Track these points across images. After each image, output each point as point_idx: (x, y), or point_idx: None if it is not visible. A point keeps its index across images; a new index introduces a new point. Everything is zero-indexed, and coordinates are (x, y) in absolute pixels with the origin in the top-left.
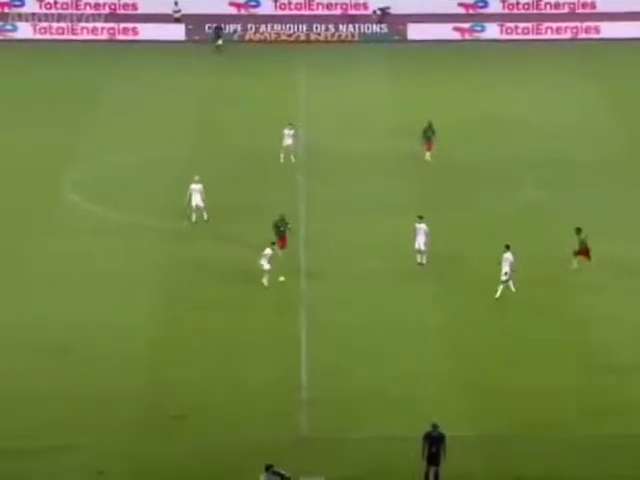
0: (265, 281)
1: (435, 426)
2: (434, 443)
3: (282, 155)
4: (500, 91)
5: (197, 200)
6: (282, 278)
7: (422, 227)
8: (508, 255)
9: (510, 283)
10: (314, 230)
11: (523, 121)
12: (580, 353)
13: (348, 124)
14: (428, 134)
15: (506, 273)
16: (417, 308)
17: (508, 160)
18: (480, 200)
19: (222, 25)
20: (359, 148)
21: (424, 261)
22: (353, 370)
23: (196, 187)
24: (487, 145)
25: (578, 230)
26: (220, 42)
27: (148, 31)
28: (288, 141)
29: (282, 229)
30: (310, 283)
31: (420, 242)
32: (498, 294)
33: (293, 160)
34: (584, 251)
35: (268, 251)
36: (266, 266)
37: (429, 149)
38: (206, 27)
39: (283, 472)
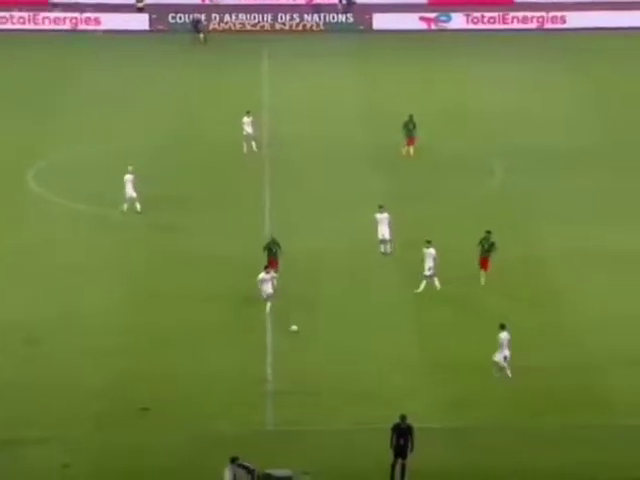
0: (268, 308)
1: (403, 418)
2: (402, 435)
3: (245, 144)
4: (469, 81)
5: (129, 190)
6: (294, 327)
7: (384, 217)
8: (431, 250)
9: (435, 279)
10: (280, 221)
11: (492, 111)
12: (549, 345)
13: (314, 114)
14: (409, 127)
15: (430, 268)
16: (384, 299)
17: (478, 149)
18: (450, 189)
19: (200, 17)
20: (325, 137)
21: (389, 250)
22: (319, 361)
23: (129, 177)
24: (456, 134)
25: (488, 233)
26: (201, 36)
27: (111, 21)
28: (248, 129)
29: (274, 251)
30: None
31: (384, 232)
32: (420, 289)
33: (255, 149)
34: (484, 260)
35: (263, 275)
36: (268, 290)
37: (410, 143)
38: (169, 17)
39: (248, 465)
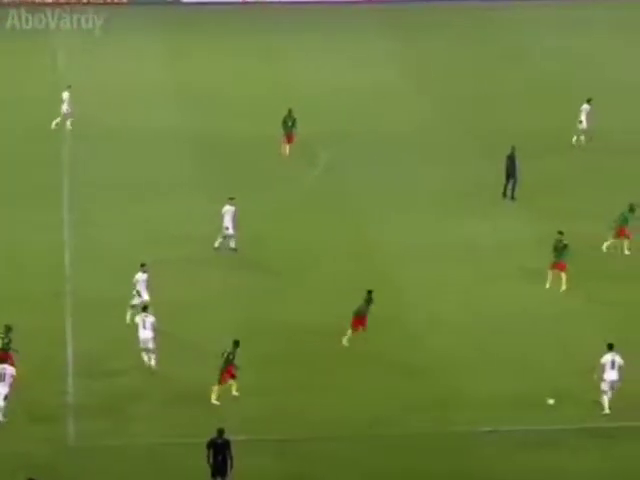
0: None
1: (220, 432)
2: (219, 451)
3: (55, 122)
4: (288, 58)
5: None
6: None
7: (231, 209)
8: (144, 276)
9: (137, 310)
10: (81, 213)
11: (314, 90)
12: (386, 344)
13: (116, 95)
14: (288, 123)
15: (137, 293)
16: (209, 292)
17: (299, 133)
18: (269, 179)
19: None
20: (133, 120)
21: (233, 245)
22: (129, 367)
23: None
24: (275, 117)
25: None
26: None
27: None
28: (65, 107)
29: (7, 342)
30: (76, 273)
31: (228, 225)
32: (128, 319)
33: (70, 127)
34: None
35: None
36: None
37: (289, 141)
38: None
39: None
